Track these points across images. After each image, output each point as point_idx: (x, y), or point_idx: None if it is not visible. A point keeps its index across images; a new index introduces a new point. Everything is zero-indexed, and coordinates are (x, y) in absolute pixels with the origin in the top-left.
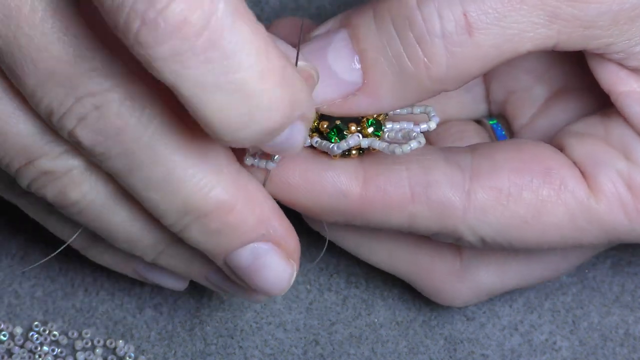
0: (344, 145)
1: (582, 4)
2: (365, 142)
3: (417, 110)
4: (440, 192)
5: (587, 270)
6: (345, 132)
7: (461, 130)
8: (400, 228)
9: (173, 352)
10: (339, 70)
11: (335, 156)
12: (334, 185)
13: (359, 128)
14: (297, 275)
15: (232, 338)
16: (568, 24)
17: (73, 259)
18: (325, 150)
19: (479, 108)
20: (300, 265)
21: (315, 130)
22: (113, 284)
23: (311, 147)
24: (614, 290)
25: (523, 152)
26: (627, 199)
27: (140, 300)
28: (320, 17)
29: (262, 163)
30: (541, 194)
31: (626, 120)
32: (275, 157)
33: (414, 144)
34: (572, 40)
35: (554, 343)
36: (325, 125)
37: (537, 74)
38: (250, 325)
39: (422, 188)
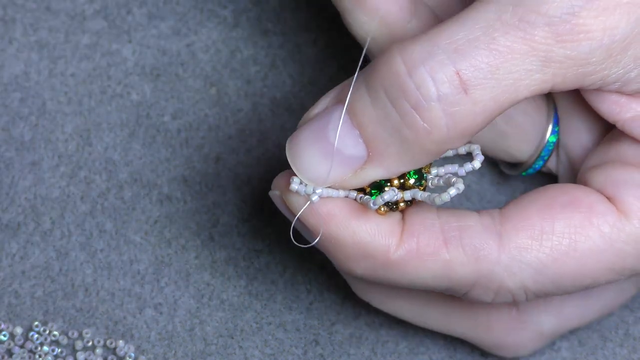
0: (379, 200)
1: (573, 44)
2: (408, 195)
3: (462, 150)
4: (474, 235)
5: None
6: (386, 188)
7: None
8: (436, 281)
9: (173, 352)
10: (342, 147)
11: (383, 212)
12: (375, 227)
13: (401, 181)
14: (297, 275)
15: (232, 338)
16: (562, 65)
17: (73, 259)
18: (366, 205)
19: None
20: (300, 265)
21: (360, 189)
22: (113, 284)
23: None
24: None
25: (547, 191)
26: None
27: (140, 300)
28: (320, 17)
29: (309, 189)
30: (573, 223)
31: (637, 141)
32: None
33: (452, 192)
34: (567, 80)
35: (554, 343)
36: (367, 186)
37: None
38: (250, 325)
39: (455, 233)
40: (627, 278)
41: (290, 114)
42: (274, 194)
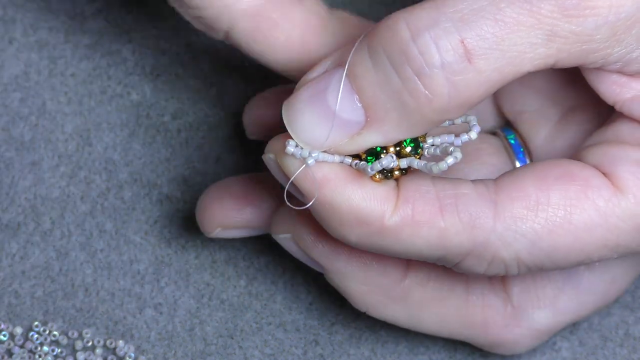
0: (377, 166)
1: (579, 19)
2: (404, 162)
3: (458, 120)
4: (470, 203)
5: None
6: (382, 155)
7: (480, 148)
8: (430, 249)
9: (173, 352)
10: (340, 111)
11: (378, 179)
12: (371, 193)
13: (397, 149)
14: (297, 275)
15: (232, 338)
16: (567, 41)
17: (73, 259)
18: (362, 171)
19: (488, 123)
20: (300, 265)
21: (355, 155)
22: (113, 284)
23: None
24: None
25: (542, 164)
26: None
27: (140, 300)
28: None
29: (305, 152)
30: (569, 195)
31: (636, 121)
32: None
33: (450, 160)
34: (571, 56)
35: (554, 343)
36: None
37: (546, 94)
38: (250, 325)
39: (451, 200)
40: (620, 256)
41: None
42: (269, 157)
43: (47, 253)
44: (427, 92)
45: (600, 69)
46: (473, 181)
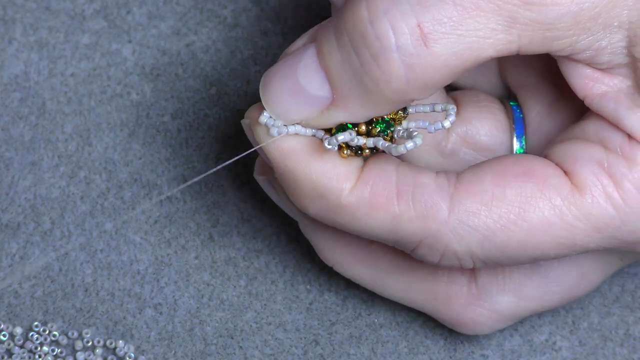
0: (333, 140)
1: (540, 7)
2: (370, 142)
3: (438, 107)
4: (426, 193)
5: None
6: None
7: (486, 105)
8: (383, 232)
9: (173, 352)
10: (309, 86)
11: (345, 155)
12: (331, 168)
13: (369, 127)
14: (297, 275)
15: (232, 338)
16: (528, 28)
17: (73, 259)
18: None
19: (496, 90)
20: (300, 265)
21: (328, 131)
22: (113, 284)
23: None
24: (614, 290)
25: (503, 159)
26: (610, 188)
27: (140, 300)
28: (320, 17)
29: (277, 124)
30: (525, 192)
31: (604, 119)
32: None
33: (409, 145)
34: (534, 43)
35: (554, 343)
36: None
37: (545, 74)
38: (250, 325)
39: (409, 187)
40: (578, 254)
41: None
42: (245, 122)
43: (47, 253)
44: (384, 74)
45: (571, 59)
46: (437, 172)
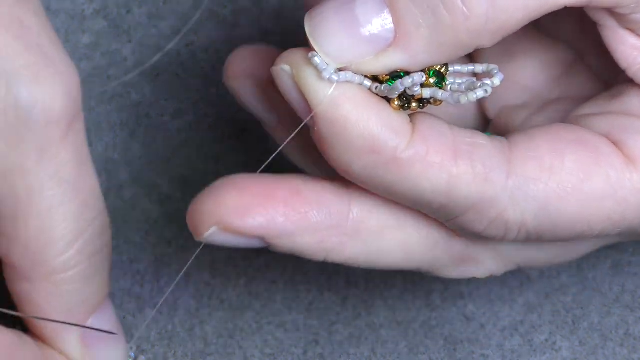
0: (407, 81)
1: None
2: (427, 92)
3: (479, 68)
4: (485, 154)
5: (587, 271)
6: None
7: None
8: (434, 195)
9: (173, 352)
10: (368, 24)
11: (395, 105)
12: (387, 121)
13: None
14: (297, 275)
15: (232, 338)
16: None
17: None
18: (384, 95)
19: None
20: (300, 265)
21: (374, 79)
22: (113, 284)
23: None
24: (614, 290)
25: (554, 127)
26: None
27: (140, 300)
28: None
29: (329, 67)
30: (582, 161)
31: None
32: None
33: (480, 92)
34: None
35: (554, 343)
36: (385, 75)
37: (531, 89)
38: (250, 325)
39: (468, 147)
40: (619, 233)
41: None
42: (283, 69)
43: None
44: (464, 8)
45: (624, 20)
46: (490, 135)
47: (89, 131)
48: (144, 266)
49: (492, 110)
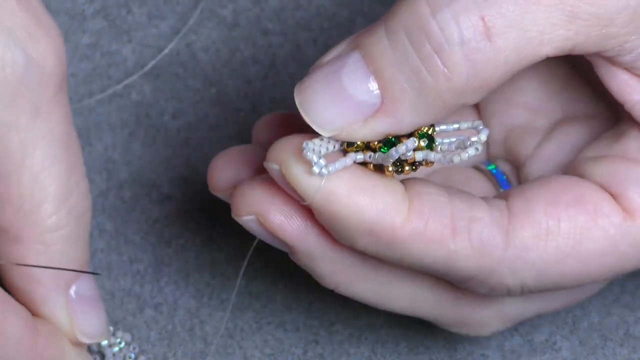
0: (393, 153)
1: (601, 1)
2: (419, 155)
3: (464, 125)
4: (483, 229)
5: None
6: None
7: (466, 177)
8: (436, 267)
9: (173, 352)
10: (355, 92)
11: (389, 172)
12: (382, 204)
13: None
14: (297, 275)
15: (232, 338)
16: (586, 24)
17: None
18: (379, 162)
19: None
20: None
21: (367, 148)
22: (113, 284)
23: (362, 164)
24: (614, 290)
25: (552, 185)
26: None
27: (140, 300)
28: (320, 17)
29: (319, 163)
30: (579, 223)
31: None
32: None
33: (471, 151)
34: (589, 41)
35: (554, 343)
36: (376, 142)
37: (534, 108)
38: (250, 325)
39: (465, 223)
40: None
41: None
42: (271, 166)
43: None
44: (445, 69)
45: (613, 60)
46: (485, 200)
47: (89, 131)
48: (144, 266)
49: (496, 135)
